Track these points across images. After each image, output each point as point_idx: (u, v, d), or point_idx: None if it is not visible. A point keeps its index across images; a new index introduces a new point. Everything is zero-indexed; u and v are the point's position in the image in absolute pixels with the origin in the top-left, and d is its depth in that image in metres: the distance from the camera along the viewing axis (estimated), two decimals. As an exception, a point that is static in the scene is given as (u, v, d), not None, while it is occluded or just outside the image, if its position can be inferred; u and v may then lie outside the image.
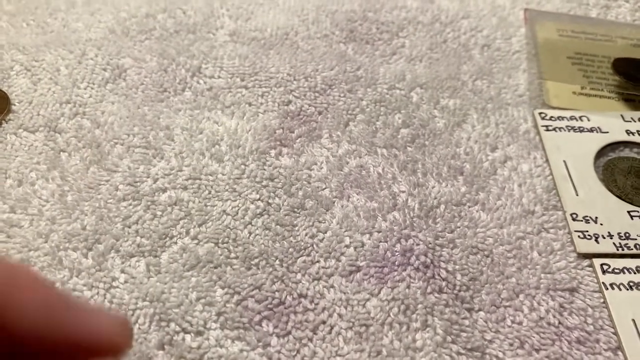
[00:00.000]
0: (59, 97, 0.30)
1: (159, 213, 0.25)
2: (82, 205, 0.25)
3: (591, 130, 0.30)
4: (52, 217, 0.25)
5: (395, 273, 0.24)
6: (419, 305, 0.23)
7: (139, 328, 0.22)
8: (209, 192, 0.26)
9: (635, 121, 0.30)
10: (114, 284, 0.23)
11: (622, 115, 0.30)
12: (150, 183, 0.26)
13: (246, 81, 0.31)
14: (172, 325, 0.22)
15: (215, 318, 0.22)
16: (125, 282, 0.23)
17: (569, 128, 0.30)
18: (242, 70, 0.32)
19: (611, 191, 0.27)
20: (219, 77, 0.31)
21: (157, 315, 0.22)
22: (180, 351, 0.21)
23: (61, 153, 0.27)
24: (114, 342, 0.14)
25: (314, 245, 0.25)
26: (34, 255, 0.24)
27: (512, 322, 0.23)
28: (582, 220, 0.26)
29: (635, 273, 0.24)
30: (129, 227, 0.25)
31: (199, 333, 0.22)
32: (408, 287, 0.24)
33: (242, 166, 0.27)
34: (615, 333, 0.23)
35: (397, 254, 0.25)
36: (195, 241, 0.25)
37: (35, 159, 0.27)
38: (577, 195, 0.27)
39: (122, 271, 0.23)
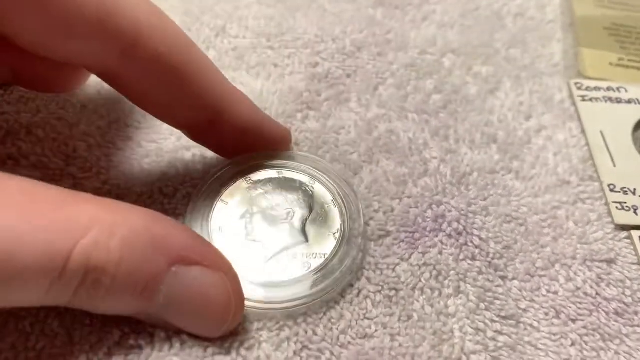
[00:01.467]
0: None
1: (179, 166, 0.25)
2: (103, 161, 0.25)
3: (629, 101, 0.29)
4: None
5: (427, 239, 0.23)
6: (452, 272, 0.22)
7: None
8: (234, 152, 0.25)
9: (675, 94, 0.29)
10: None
11: (661, 88, 0.29)
12: (173, 140, 0.25)
13: (272, 42, 0.30)
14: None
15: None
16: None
17: (606, 99, 0.29)
18: (268, 30, 0.31)
19: (650, 163, 0.26)
20: (244, 37, 0.31)
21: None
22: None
23: (83, 109, 0.26)
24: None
25: (342, 208, 0.24)
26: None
27: (548, 291, 0.22)
28: (620, 192, 0.25)
29: (675, 246, 0.23)
30: (152, 184, 0.24)
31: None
32: (440, 253, 0.23)
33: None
34: (655, 306, 0.22)
35: (428, 219, 0.24)
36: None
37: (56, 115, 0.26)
38: (614, 166, 0.26)
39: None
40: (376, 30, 0.31)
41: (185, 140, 0.25)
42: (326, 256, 0.21)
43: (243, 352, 0.20)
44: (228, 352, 0.20)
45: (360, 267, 0.22)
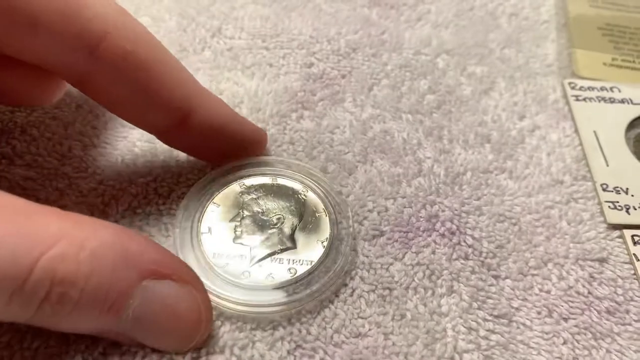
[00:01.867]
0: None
1: (173, 164, 0.25)
2: (99, 160, 0.25)
3: (622, 101, 0.29)
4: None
5: (420, 238, 0.23)
6: (445, 271, 0.22)
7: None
8: (229, 152, 0.25)
9: (668, 94, 0.29)
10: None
11: (654, 88, 0.30)
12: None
13: (267, 42, 0.30)
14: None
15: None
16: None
17: (600, 99, 0.29)
18: (264, 31, 0.31)
19: (643, 163, 0.26)
20: (240, 38, 0.31)
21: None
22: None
23: (78, 108, 0.27)
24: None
25: (337, 208, 0.24)
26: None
27: (540, 290, 0.22)
28: (612, 191, 0.25)
29: (667, 245, 0.24)
30: (147, 184, 0.24)
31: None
32: (433, 252, 0.23)
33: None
34: (646, 305, 0.22)
35: (422, 219, 0.24)
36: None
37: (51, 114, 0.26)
38: (607, 166, 0.26)
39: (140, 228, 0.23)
40: (371, 30, 0.31)
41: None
42: (312, 263, 0.21)
43: (237, 351, 0.20)
44: (222, 352, 0.20)
45: (348, 271, 0.22)
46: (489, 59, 0.31)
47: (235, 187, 0.23)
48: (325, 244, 0.22)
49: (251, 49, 0.30)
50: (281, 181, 0.24)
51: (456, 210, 0.24)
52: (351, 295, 0.22)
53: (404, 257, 0.23)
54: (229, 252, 0.21)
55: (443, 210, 0.24)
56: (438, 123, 0.27)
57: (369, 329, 0.21)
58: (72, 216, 0.17)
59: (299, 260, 0.21)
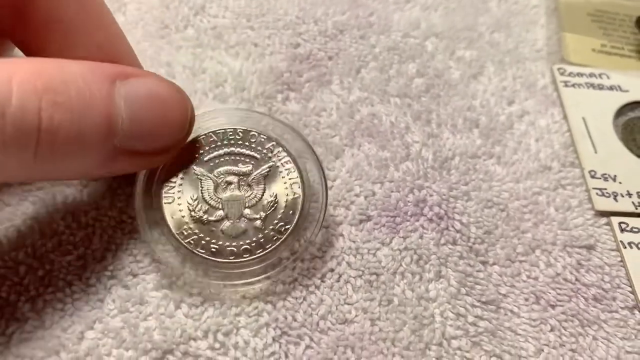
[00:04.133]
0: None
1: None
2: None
3: (611, 88, 0.29)
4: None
5: (408, 223, 0.23)
6: (432, 256, 0.22)
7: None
8: (213, 133, 0.25)
9: (655, 81, 0.29)
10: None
11: (642, 75, 0.29)
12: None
13: (252, 22, 0.30)
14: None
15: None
16: (122, 221, 0.22)
17: (589, 85, 0.29)
18: (249, 10, 0.30)
19: (631, 150, 0.26)
20: (224, 17, 0.30)
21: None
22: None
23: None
24: None
25: (323, 192, 0.23)
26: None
27: (528, 277, 0.22)
28: (600, 178, 0.25)
29: (654, 233, 0.24)
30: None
31: (201, 276, 0.21)
32: (421, 237, 0.23)
33: (248, 108, 0.26)
34: (633, 292, 0.22)
35: (409, 204, 0.23)
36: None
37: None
38: (595, 152, 0.26)
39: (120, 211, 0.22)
40: (359, 12, 0.31)
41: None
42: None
43: (220, 337, 0.19)
44: (205, 337, 0.19)
45: (334, 256, 0.22)
46: (478, 43, 0.30)
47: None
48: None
49: (235, 28, 0.29)
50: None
51: (444, 195, 0.24)
52: (337, 280, 0.21)
53: (391, 241, 0.22)
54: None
55: (431, 195, 0.24)
56: (426, 107, 0.27)
57: (356, 315, 0.20)
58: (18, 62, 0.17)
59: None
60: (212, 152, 0.21)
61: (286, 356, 0.19)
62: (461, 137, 0.26)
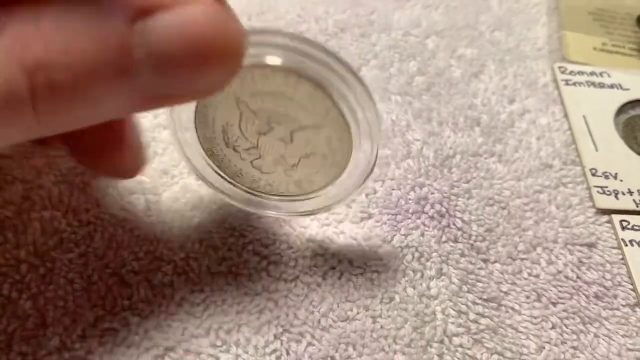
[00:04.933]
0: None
1: (160, 151, 0.24)
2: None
3: (612, 86, 0.29)
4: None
5: (409, 221, 0.23)
6: (434, 254, 0.22)
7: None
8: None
9: (656, 80, 0.29)
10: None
11: (643, 73, 0.29)
12: (150, 118, 0.25)
13: (253, 20, 0.30)
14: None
15: (219, 262, 0.21)
16: (124, 219, 0.22)
17: (589, 83, 0.29)
18: (249, 9, 0.30)
19: (632, 148, 0.26)
20: (225, 15, 0.30)
21: (158, 254, 0.21)
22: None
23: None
24: None
25: (324, 190, 0.23)
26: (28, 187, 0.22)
27: (529, 274, 0.22)
28: (601, 176, 0.25)
29: (655, 230, 0.24)
30: (129, 163, 0.23)
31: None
32: (422, 235, 0.23)
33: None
34: (634, 289, 0.22)
35: (411, 201, 0.23)
36: (199, 182, 0.23)
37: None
38: (596, 151, 0.26)
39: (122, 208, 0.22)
40: (359, 10, 0.31)
41: (162, 119, 0.25)
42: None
43: (222, 334, 0.19)
44: (207, 334, 0.19)
45: (335, 253, 0.22)
46: (479, 41, 0.30)
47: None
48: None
49: (237, 26, 0.29)
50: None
51: (445, 192, 0.24)
52: (339, 278, 0.21)
53: (392, 239, 0.22)
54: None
55: (432, 193, 0.24)
56: (427, 105, 0.27)
57: (357, 313, 0.20)
58: None
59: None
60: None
61: (287, 353, 0.19)
62: (462, 135, 0.26)
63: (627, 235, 0.23)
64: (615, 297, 0.22)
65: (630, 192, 0.25)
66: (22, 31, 0.13)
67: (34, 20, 0.13)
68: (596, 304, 0.22)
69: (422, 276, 0.21)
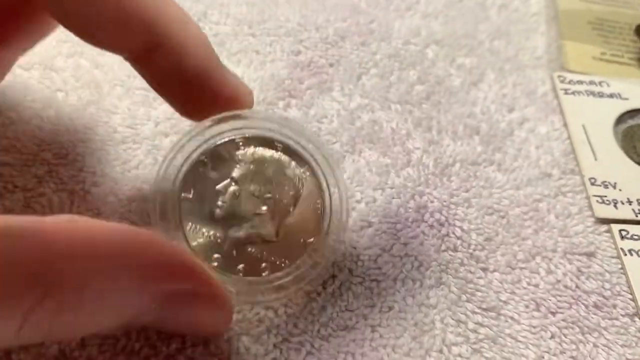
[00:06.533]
0: (56, 35, 0.28)
1: (160, 158, 0.24)
2: (79, 147, 0.24)
3: (611, 96, 0.29)
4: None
5: (409, 229, 0.23)
6: (433, 263, 0.22)
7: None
8: (214, 140, 0.25)
9: (655, 89, 0.29)
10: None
11: (642, 83, 0.30)
12: (151, 126, 0.25)
13: (254, 29, 0.30)
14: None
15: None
16: (125, 227, 0.22)
17: (589, 93, 0.29)
18: (250, 17, 0.30)
19: (631, 158, 0.26)
20: (225, 24, 0.30)
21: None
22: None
23: (57, 92, 0.26)
24: None
25: (324, 198, 0.24)
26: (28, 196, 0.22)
27: (528, 284, 0.22)
28: (600, 185, 0.25)
29: (654, 240, 0.24)
30: (129, 171, 0.23)
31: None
32: (422, 243, 0.23)
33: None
34: (633, 299, 0.22)
35: (410, 210, 0.24)
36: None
37: (29, 97, 0.25)
38: (595, 160, 0.26)
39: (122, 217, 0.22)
40: (360, 19, 0.31)
41: (163, 127, 0.25)
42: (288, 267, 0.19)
43: (222, 344, 0.19)
44: (206, 344, 0.19)
45: (335, 262, 0.22)
46: (479, 51, 0.30)
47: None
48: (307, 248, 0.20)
49: (237, 35, 0.29)
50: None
51: (445, 201, 0.24)
52: (339, 287, 0.21)
53: (392, 248, 0.22)
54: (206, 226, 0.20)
55: (432, 201, 0.24)
56: (427, 114, 0.27)
57: (356, 322, 0.20)
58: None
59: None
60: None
61: (287, 363, 0.19)
62: (462, 143, 0.26)
63: (626, 244, 0.23)
64: (615, 306, 0.22)
65: (630, 202, 0.25)
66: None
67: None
68: (595, 314, 0.22)
69: (421, 285, 0.21)
